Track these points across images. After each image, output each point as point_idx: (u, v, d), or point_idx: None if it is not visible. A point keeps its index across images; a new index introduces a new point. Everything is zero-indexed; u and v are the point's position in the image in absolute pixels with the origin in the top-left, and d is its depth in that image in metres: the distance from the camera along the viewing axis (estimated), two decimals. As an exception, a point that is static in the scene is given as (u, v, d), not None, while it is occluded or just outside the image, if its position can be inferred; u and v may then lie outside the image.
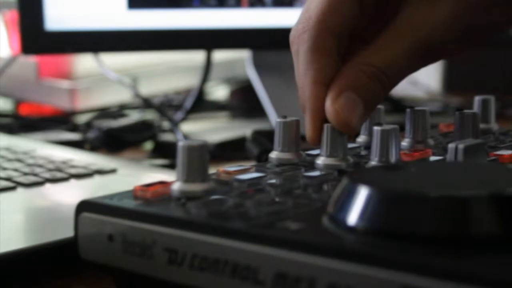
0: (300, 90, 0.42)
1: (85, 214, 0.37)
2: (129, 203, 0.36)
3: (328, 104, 0.40)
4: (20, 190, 0.54)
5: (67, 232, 0.39)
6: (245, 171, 0.41)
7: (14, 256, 0.41)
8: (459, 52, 0.42)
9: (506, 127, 0.55)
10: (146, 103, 0.91)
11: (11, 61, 0.97)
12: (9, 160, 0.62)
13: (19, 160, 0.62)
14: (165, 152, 0.80)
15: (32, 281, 0.42)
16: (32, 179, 0.55)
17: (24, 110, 1.09)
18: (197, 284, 0.33)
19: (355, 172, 0.33)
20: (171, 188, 0.36)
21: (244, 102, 0.99)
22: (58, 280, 0.42)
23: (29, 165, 0.60)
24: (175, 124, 0.85)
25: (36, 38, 0.75)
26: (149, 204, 0.36)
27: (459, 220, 0.29)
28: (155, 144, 0.83)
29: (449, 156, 0.40)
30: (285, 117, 0.44)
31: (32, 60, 1.02)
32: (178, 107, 0.97)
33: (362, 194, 0.31)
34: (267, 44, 0.87)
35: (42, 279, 0.42)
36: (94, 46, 0.81)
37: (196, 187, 0.36)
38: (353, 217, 0.31)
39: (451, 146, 0.40)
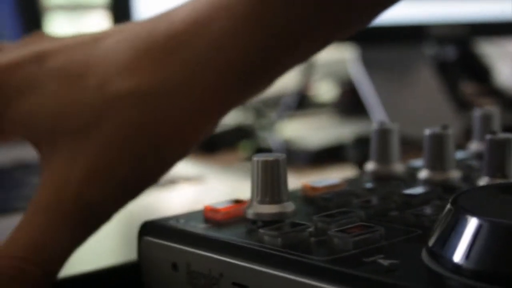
0: None
1: (148, 238, 0.32)
2: (196, 227, 0.32)
3: None
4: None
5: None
6: (334, 187, 0.36)
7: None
8: (124, 203, 0.34)
9: None
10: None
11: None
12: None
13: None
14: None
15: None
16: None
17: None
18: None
19: (461, 195, 0.27)
20: (245, 210, 0.31)
21: (352, 103, 0.93)
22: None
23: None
24: (270, 126, 0.80)
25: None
26: (218, 229, 0.31)
27: None
28: (254, 148, 0.78)
29: None
30: (383, 122, 0.38)
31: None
32: (278, 107, 0.92)
33: (471, 227, 0.24)
34: (376, 39, 0.81)
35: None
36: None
37: (273, 209, 0.31)
38: (459, 255, 0.24)
39: None
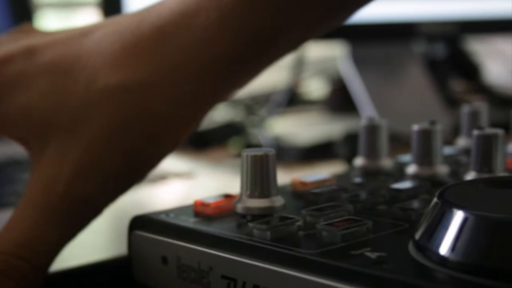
0: None
1: (138, 232, 0.33)
2: (186, 221, 0.32)
3: None
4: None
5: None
6: (323, 182, 0.36)
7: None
8: (114, 198, 0.34)
9: None
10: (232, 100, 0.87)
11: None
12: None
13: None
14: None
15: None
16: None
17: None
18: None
19: (448, 189, 0.28)
20: (235, 204, 0.32)
21: (341, 100, 0.93)
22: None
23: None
24: (260, 122, 0.80)
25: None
26: (208, 223, 0.31)
27: None
28: (244, 144, 0.79)
29: None
30: (371, 118, 0.39)
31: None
32: (268, 104, 0.92)
33: (457, 220, 0.25)
34: (367, 37, 0.81)
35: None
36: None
37: (262, 203, 0.31)
38: (445, 248, 0.25)
39: None
